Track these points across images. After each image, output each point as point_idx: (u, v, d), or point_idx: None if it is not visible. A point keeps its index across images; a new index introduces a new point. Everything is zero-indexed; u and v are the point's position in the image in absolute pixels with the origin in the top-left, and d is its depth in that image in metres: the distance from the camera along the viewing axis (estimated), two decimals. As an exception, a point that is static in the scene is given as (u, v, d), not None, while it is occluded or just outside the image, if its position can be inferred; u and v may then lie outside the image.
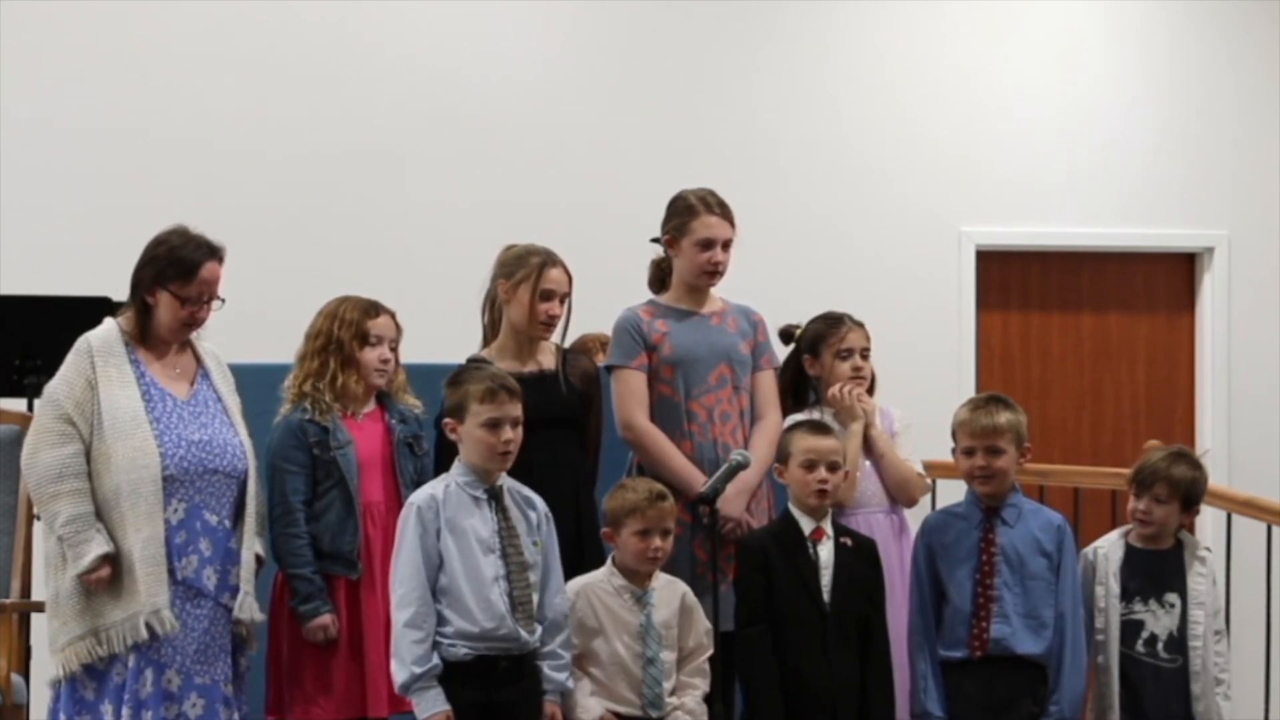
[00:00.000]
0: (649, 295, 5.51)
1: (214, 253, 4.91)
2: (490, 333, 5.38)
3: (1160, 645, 5.06)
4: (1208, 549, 5.24)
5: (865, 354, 5.43)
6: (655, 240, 5.48)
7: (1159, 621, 5.07)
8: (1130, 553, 5.12)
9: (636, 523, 4.84)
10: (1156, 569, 5.10)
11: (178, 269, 4.86)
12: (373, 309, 5.21)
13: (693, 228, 5.34)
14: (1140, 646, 5.06)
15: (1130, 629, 5.06)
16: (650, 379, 5.31)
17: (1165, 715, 5.04)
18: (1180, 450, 5.21)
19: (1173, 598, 5.08)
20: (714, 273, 5.36)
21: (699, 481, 5.10)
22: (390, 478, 5.14)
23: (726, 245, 5.35)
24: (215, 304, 4.92)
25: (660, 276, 5.51)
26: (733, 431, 5.30)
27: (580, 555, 5.08)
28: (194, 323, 4.92)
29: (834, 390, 5.36)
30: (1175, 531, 5.16)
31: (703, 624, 4.93)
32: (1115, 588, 5.07)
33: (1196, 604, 5.07)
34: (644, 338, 5.32)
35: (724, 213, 5.37)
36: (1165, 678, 5.05)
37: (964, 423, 5.12)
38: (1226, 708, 5.10)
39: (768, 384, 5.42)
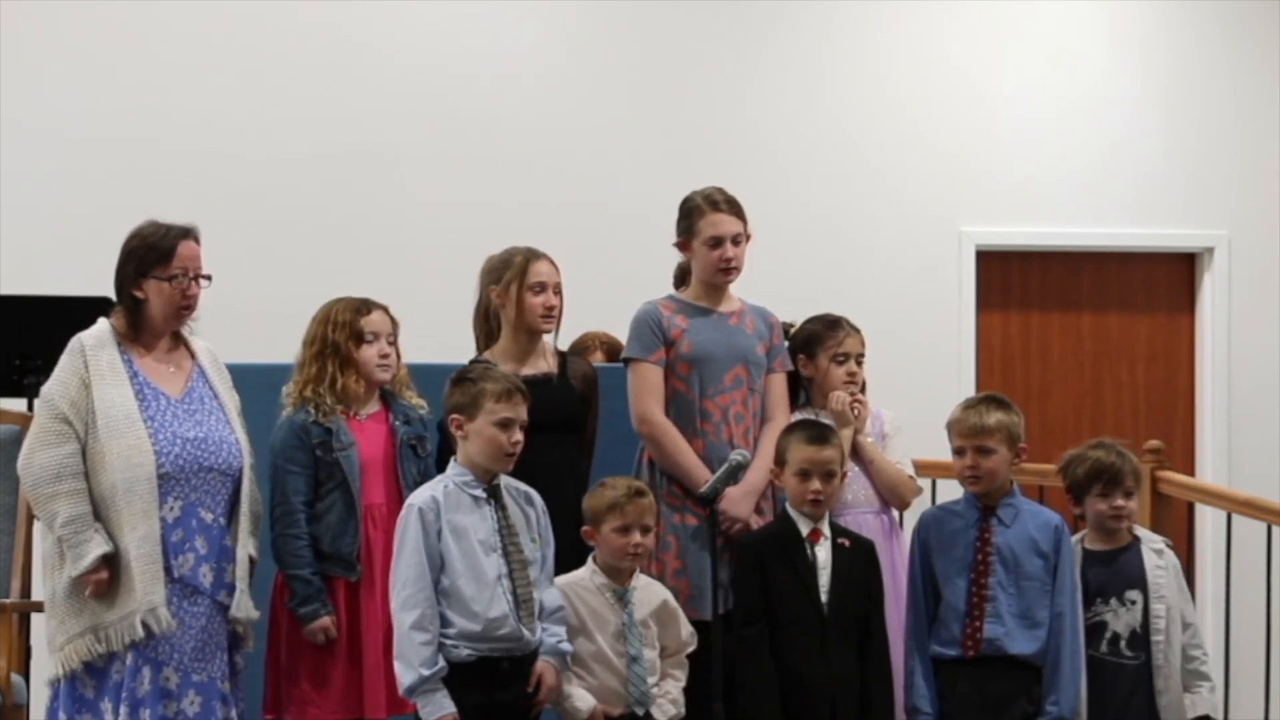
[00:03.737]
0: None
1: (187, 232, 4.93)
2: (484, 343, 5.40)
3: (1123, 644, 5.06)
4: (1166, 541, 5.25)
5: (860, 359, 5.45)
6: (676, 245, 5.50)
7: (1120, 620, 5.07)
8: (1088, 555, 5.12)
9: (616, 519, 4.84)
10: (1117, 568, 5.10)
11: (156, 254, 4.87)
12: (364, 306, 5.21)
13: (700, 227, 5.35)
14: (1104, 647, 5.05)
15: (1094, 631, 5.06)
16: (666, 374, 5.32)
17: (1131, 713, 5.04)
18: (1106, 441, 5.20)
19: (1134, 594, 5.08)
20: (728, 269, 5.36)
21: (708, 480, 5.11)
22: (392, 479, 5.13)
23: (737, 240, 5.35)
24: (203, 282, 4.92)
25: (684, 278, 5.52)
26: (745, 433, 5.30)
27: (582, 558, 5.08)
28: (188, 303, 4.92)
29: (834, 400, 5.36)
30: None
31: (686, 627, 4.95)
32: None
33: (1157, 598, 5.07)
34: (664, 332, 5.32)
35: (731, 209, 5.37)
36: (1130, 675, 5.04)
37: (955, 422, 5.13)
38: (1209, 701, 5.10)
39: (779, 386, 5.42)
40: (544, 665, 4.74)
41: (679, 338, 5.32)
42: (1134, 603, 5.07)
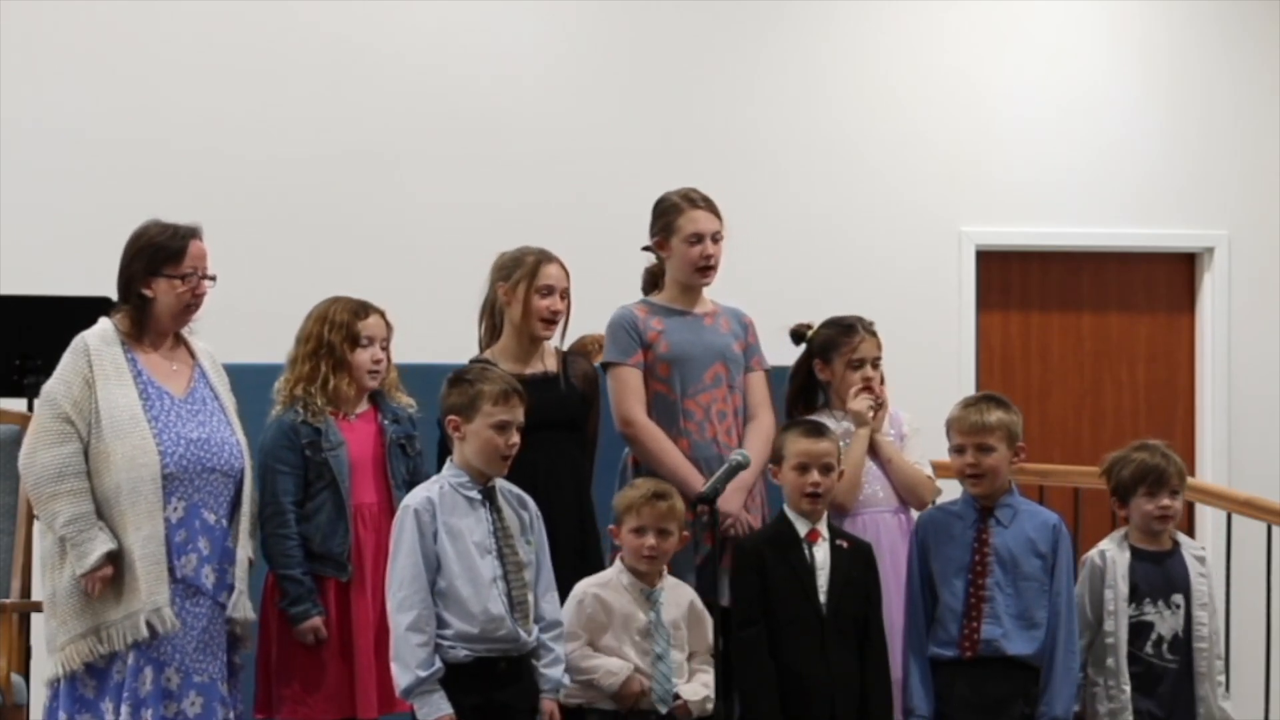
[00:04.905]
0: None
1: (194, 232, 4.94)
2: (488, 339, 5.39)
3: (1165, 646, 5.07)
4: (1203, 549, 5.26)
5: (876, 363, 5.42)
6: (646, 249, 5.48)
7: (1165, 623, 5.08)
8: (1136, 554, 5.12)
9: (633, 520, 4.87)
10: (1163, 570, 5.12)
11: (166, 253, 4.88)
12: (362, 310, 5.21)
13: (679, 225, 5.35)
14: (1149, 648, 5.06)
15: (1139, 630, 5.07)
16: (646, 376, 5.32)
17: (1170, 716, 5.05)
18: (1150, 443, 5.22)
19: (1178, 599, 5.09)
20: (707, 267, 5.36)
21: (695, 478, 5.11)
22: (382, 479, 5.14)
23: (716, 238, 5.35)
24: (209, 282, 4.93)
25: (653, 283, 5.51)
26: (728, 430, 5.31)
27: (584, 557, 5.11)
28: (195, 302, 4.93)
29: (854, 403, 5.33)
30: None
31: (711, 630, 4.94)
32: (1124, 589, 5.07)
33: (1200, 605, 5.09)
34: (640, 335, 5.32)
35: (709, 206, 5.37)
36: (1168, 678, 5.05)
37: (955, 420, 5.14)
38: (1228, 706, 5.11)
39: (759, 384, 5.42)
40: (552, 705, 4.75)
41: (655, 339, 5.32)
42: (1178, 607, 5.08)
